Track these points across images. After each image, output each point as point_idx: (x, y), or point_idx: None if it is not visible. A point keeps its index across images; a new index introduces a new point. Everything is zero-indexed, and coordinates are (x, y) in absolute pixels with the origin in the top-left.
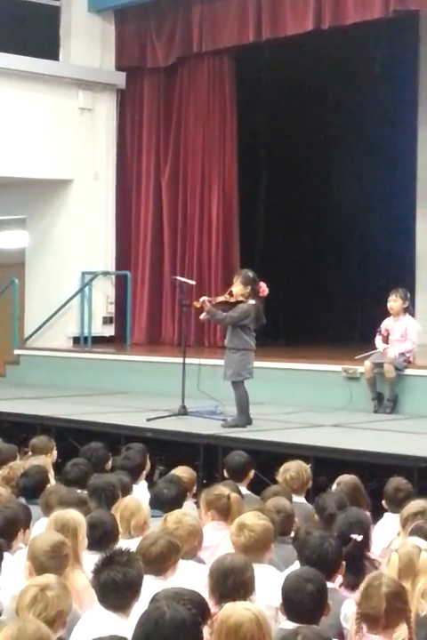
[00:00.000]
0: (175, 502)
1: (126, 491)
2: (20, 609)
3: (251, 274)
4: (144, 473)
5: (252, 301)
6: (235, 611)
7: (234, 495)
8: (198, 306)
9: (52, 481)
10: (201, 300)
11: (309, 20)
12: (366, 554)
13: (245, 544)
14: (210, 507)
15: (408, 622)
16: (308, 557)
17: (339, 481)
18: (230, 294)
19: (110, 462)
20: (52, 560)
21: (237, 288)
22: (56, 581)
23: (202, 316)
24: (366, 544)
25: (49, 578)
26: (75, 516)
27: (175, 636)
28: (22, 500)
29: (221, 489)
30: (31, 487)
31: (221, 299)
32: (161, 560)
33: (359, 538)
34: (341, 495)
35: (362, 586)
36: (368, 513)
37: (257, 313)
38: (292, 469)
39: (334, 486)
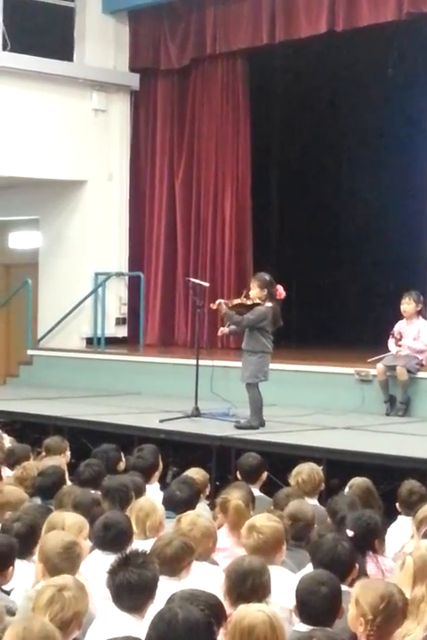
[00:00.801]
0: (188, 504)
1: (139, 492)
2: (36, 609)
3: (268, 277)
4: (157, 473)
5: (269, 304)
6: (248, 612)
7: (234, 502)
8: (215, 308)
9: (67, 481)
10: (217, 302)
11: (322, 23)
12: (366, 551)
13: (254, 546)
14: (220, 510)
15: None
16: (321, 560)
17: (351, 484)
18: (247, 297)
19: (122, 463)
20: (66, 561)
21: (254, 291)
22: (73, 582)
23: (220, 332)
24: (372, 545)
25: (66, 578)
26: (68, 517)
27: (188, 638)
28: (38, 500)
29: (229, 492)
30: (47, 487)
31: (237, 301)
32: (175, 561)
33: (350, 533)
34: (353, 498)
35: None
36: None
37: (274, 315)
38: (304, 472)
39: (347, 489)
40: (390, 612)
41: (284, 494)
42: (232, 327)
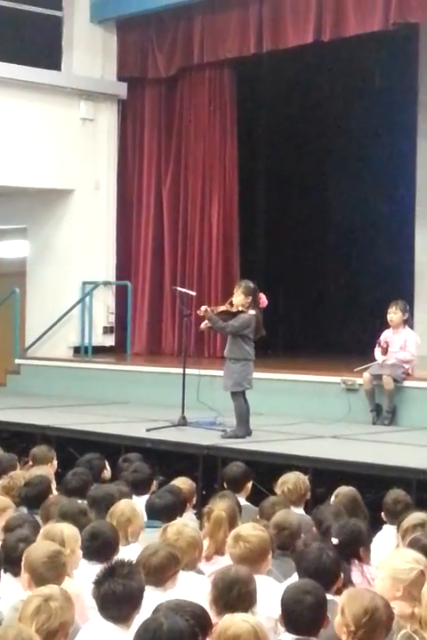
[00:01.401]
0: (170, 511)
1: None
2: (22, 619)
3: (252, 284)
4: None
5: (252, 311)
6: (233, 622)
7: (216, 513)
8: (201, 314)
9: (54, 491)
10: (203, 308)
11: (309, 33)
12: (351, 559)
13: (240, 555)
14: (206, 519)
15: None
16: (306, 569)
17: (337, 493)
18: (231, 304)
19: (107, 472)
20: (51, 570)
21: (239, 298)
22: (60, 592)
23: (203, 325)
24: (357, 553)
25: (52, 588)
26: (65, 528)
27: None
28: (24, 510)
29: (215, 502)
30: (34, 497)
31: (222, 308)
32: (161, 571)
33: (335, 541)
34: (338, 507)
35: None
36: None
37: (257, 324)
38: (290, 481)
39: (333, 498)
40: (373, 625)
41: (269, 503)
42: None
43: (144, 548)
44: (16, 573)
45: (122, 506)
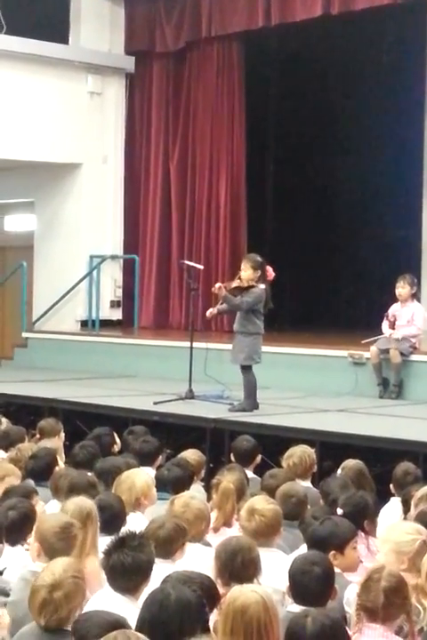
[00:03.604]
0: (177, 484)
1: None
2: (31, 610)
3: (259, 258)
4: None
5: (262, 285)
6: (242, 593)
7: (224, 484)
8: (215, 291)
9: (61, 464)
10: (217, 285)
11: (318, 6)
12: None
13: (255, 529)
14: (214, 491)
15: (409, 616)
16: (314, 540)
17: (344, 466)
18: (240, 279)
19: (117, 447)
20: (62, 541)
21: (247, 273)
22: (65, 577)
23: (208, 313)
24: (362, 525)
25: (58, 574)
26: (89, 503)
27: (180, 618)
28: (31, 482)
29: (223, 474)
30: (40, 469)
31: (234, 284)
32: (168, 543)
33: (340, 512)
34: (345, 480)
35: (363, 578)
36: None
37: (266, 297)
38: (295, 455)
39: (339, 471)
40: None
41: (268, 475)
42: (222, 306)
43: (151, 521)
44: (13, 542)
45: (123, 476)
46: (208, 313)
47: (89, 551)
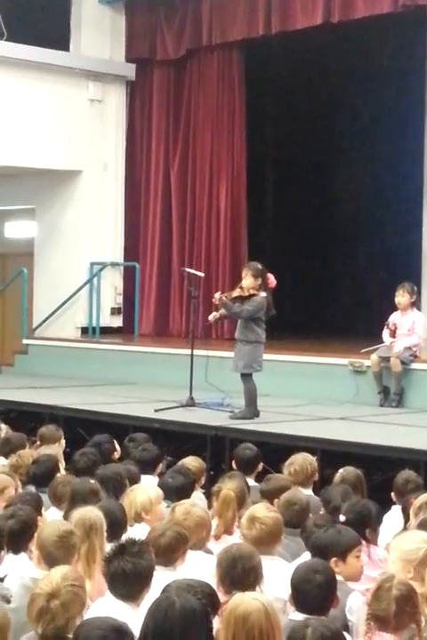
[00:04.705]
0: (181, 492)
1: (134, 481)
2: (30, 618)
3: (260, 266)
4: (161, 465)
5: (263, 294)
6: (243, 600)
7: (224, 492)
8: (216, 301)
9: (62, 470)
10: (217, 295)
11: (318, 15)
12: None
13: (256, 537)
14: (215, 499)
15: (418, 625)
16: (316, 547)
17: (344, 470)
18: (241, 288)
19: (117, 453)
20: (60, 550)
21: (248, 281)
22: (63, 585)
23: (210, 318)
24: (363, 534)
25: (56, 582)
26: (95, 514)
27: (185, 626)
28: (32, 488)
29: (224, 482)
30: (41, 475)
31: (235, 293)
32: (170, 551)
33: (343, 518)
34: (346, 488)
35: (373, 587)
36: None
37: (268, 304)
38: (296, 462)
39: (336, 478)
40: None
41: (264, 480)
42: (222, 311)
43: (151, 529)
44: (16, 550)
45: (140, 491)
46: (211, 317)
47: (96, 560)
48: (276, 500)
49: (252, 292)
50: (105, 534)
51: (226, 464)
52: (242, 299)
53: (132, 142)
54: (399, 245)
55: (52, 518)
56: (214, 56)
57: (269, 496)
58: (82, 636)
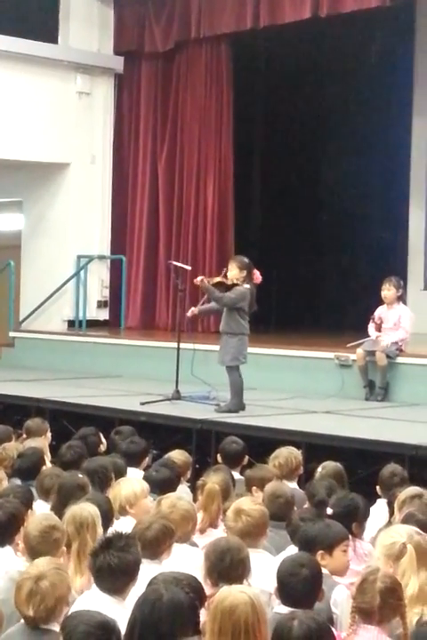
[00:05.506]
0: (165, 485)
1: (120, 473)
2: (18, 604)
3: (246, 260)
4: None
5: (247, 285)
6: (230, 593)
7: (209, 486)
8: (197, 284)
9: (48, 463)
10: (199, 278)
11: (306, 8)
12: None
13: (242, 529)
14: (200, 492)
15: (403, 617)
16: (304, 539)
17: (324, 465)
18: (225, 277)
19: (103, 446)
20: (43, 545)
21: (233, 271)
22: (48, 568)
23: (190, 312)
24: (350, 528)
25: (42, 566)
26: (87, 511)
27: (172, 619)
28: (17, 481)
29: (209, 476)
30: (27, 468)
31: (217, 279)
32: (156, 544)
33: (330, 511)
34: (331, 482)
35: (358, 580)
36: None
37: (251, 298)
38: (281, 456)
39: (318, 471)
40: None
41: (249, 472)
42: (204, 306)
43: (137, 522)
44: (1, 542)
45: (124, 485)
46: (189, 312)
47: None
48: (258, 491)
49: (234, 281)
50: (100, 530)
51: (212, 457)
52: (225, 287)
53: (120, 135)
54: (386, 240)
55: (39, 512)
56: (203, 49)
57: (253, 484)
58: (68, 629)
